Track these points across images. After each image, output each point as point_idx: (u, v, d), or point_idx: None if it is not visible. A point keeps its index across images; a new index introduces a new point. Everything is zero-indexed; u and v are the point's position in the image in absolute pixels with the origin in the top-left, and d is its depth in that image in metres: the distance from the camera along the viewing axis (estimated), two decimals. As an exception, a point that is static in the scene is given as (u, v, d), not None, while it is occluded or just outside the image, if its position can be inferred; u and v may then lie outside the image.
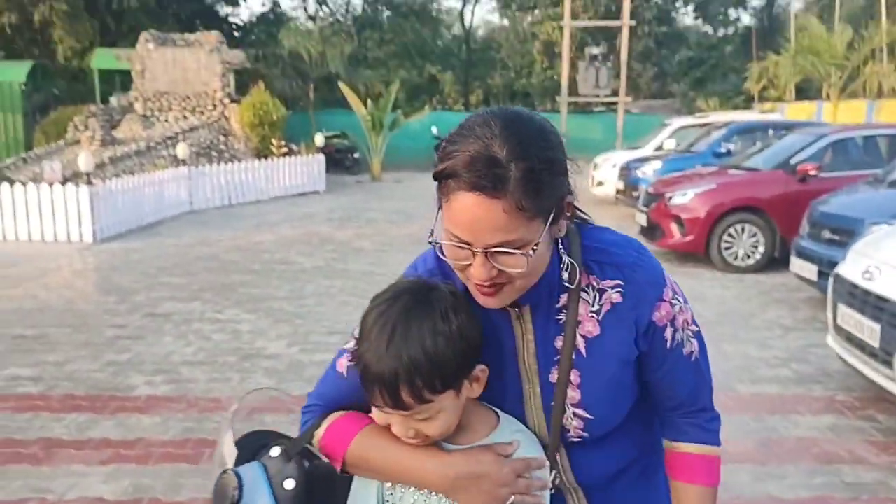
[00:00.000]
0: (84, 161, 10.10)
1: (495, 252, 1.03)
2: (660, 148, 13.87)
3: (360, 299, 6.92)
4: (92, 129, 14.98)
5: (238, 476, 1.14)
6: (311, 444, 1.19)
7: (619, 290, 1.15)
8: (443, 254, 1.09)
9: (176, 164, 13.51)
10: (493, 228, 1.01)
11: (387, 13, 30.73)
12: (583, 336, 1.16)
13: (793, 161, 8.23)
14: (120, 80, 19.26)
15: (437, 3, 34.58)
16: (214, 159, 15.12)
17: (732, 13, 32.97)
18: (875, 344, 3.99)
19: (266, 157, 15.60)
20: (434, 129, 22.20)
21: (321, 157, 16.48)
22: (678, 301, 1.20)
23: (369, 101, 19.52)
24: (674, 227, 8.39)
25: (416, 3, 31.58)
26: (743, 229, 8.15)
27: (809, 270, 6.40)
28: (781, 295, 7.16)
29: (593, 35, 26.12)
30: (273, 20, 26.49)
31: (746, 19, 33.50)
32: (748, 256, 8.16)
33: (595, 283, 1.16)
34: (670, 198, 8.48)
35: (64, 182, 10.89)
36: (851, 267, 4.50)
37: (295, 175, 15.69)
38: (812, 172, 7.97)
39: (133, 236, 10.54)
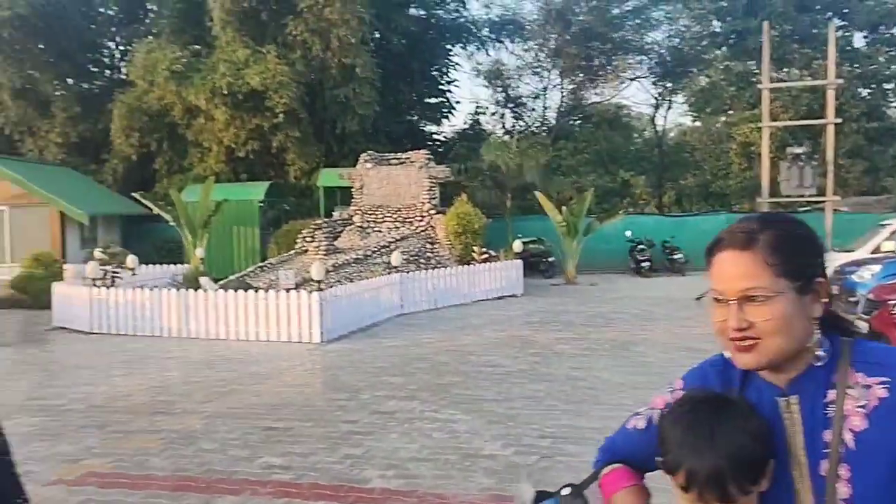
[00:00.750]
0: (316, 270, 11.38)
1: (745, 302, 1.27)
2: (877, 250, 13.02)
3: (566, 404, 7.16)
4: (318, 240, 16.75)
5: None
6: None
7: (885, 385, 1.26)
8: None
9: (388, 271, 14.69)
10: (742, 276, 1.28)
11: (580, 123, 31.79)
12: (851, 430, 1.26)
13: None
14: (340, 196, 21.42)
15: (628, 109, 35.19)
16: (422, 266, 16.24)
17: (955, 102, 30.43)
18: None
19: (468, 263, 16.50)
20: (628, 233, 22.30)
21: (519, 262, 17.14)
22: None
23: (563, 207, 20.11)
24: (901, 337, 7.85)
25: (609, 112, 32.37)
26: None
27: None
28: None
29: (794, 133, 25.22)
30: (473, 136, 28.37)
31: (973, 107, 30.73)
32: None
33: (861, 381, 1.28)
34: (895, 305, 7.99)
35: (296, 288, 12.27)
36: None
37: (494, 279, 16.42)
38: None
39: (354, 338, 11.57)
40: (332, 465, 5.52)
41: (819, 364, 1.32)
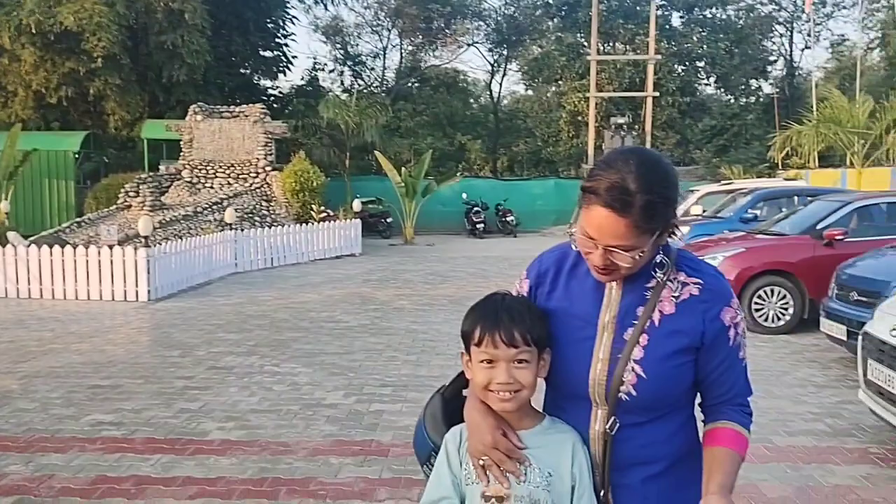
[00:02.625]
0: (143, 225, 10.70)
1: (612, 250, 1.46)
2: (686, 213, 14.27)
3: (407, 355, 7.31)
4: (143, 196, 15.74)
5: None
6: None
7: (698, 287, 1.56)
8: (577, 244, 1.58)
9: (221, 228, 14.13)
10: (615, 236, 1.44)
11: (418, 85, 31.94)
12: (660, 311, 1.54)
13: (819, 226, 8.56)
14: (166, 149, 20.22)
15: (465, 74, 35.83)
16: (257, 224, 15.77)
17: (754, 83, 33.71)
18: (904, 396, 4.27)
19: (306, 222, 16.22)
20: (464, 195, 22.87)
21: (358, 222, 17.09)
22: (740, 314, 1.59)
23: (402, 169, 20.25)
24: (705, 289, 8.68)
25: (447, 76, 32.79)
26: (772, 292, 8.44)
27: (839, 330, 6.67)
28: (812, 354, 7.41)
29: (618, 104, 26.90)
30: (311, 92, 27.69)
31: (767, 88, 34.24)
32: (778, 318, 8.43)
33: (681, 278, 1.57)
34: (701, 261, 8.80)
35: (119, 244, 11.51)
36: (879, 325, 4.79)
37: (333, 238, 16.28)
38: (838, 237, 8.30)
39: (185, 296, 11.06)
40: (168, 419, 5.30)
41: (660, 276, 1.58)
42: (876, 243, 7.86)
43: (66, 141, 19.61)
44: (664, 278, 1.56)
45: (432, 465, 1.66)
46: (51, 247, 10.89)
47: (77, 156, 19.62)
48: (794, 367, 6.94)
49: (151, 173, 17.83)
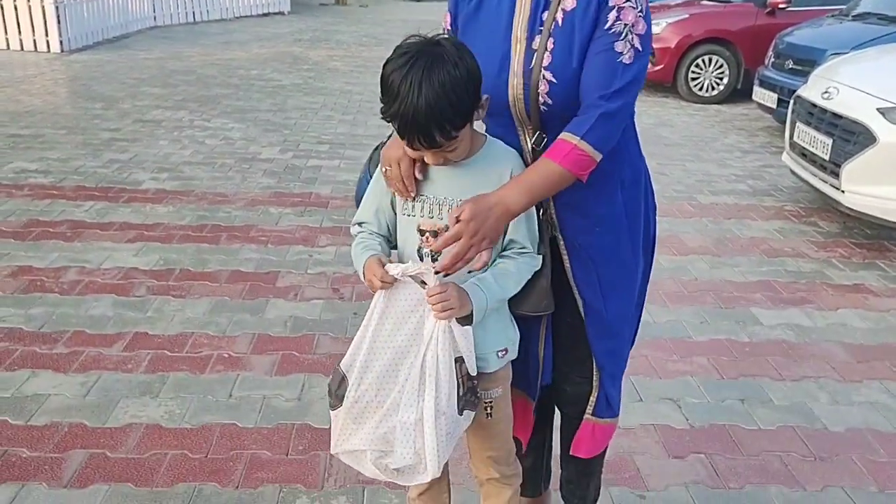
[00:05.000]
0: (45, -35, 9.66)
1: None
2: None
3: (343, 115, 7.16)
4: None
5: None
6: None
7: None
8: None
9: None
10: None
11: None
12: (563, 10, 1.44)
13: (764, -6, 8.41)
14: None
15: None
16: (174, -27, 14.44)
17: None
18: (826, 157, 4.46)
19: (228, -26, 14.95)
20: (399, -47, 21.27)
21: (285, -24, 15.89)
22: (638, 5, 1.41)
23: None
24: (645, 56, 8.60)
25: None
26: (710, 61, 8.43)
27: (770, 98, 6.80)
28: (741, 123, 7.61)
29: None
30: None
31: None
32: (713, 88, 8.50)
33: None
34: None
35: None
36: (812, 89, 4.88)
37: (259, -6, 15.19)
38: (782, 6, 8.18)
39: (101, 48, 10.33)
40: (97, 169, 5.15)
41: None
42: (818, 13, 7.81)
43: None
44: None
45: None
46: (-58, -12, 9.80)
47: None
48: (722, 134, 7.13)
49: None
